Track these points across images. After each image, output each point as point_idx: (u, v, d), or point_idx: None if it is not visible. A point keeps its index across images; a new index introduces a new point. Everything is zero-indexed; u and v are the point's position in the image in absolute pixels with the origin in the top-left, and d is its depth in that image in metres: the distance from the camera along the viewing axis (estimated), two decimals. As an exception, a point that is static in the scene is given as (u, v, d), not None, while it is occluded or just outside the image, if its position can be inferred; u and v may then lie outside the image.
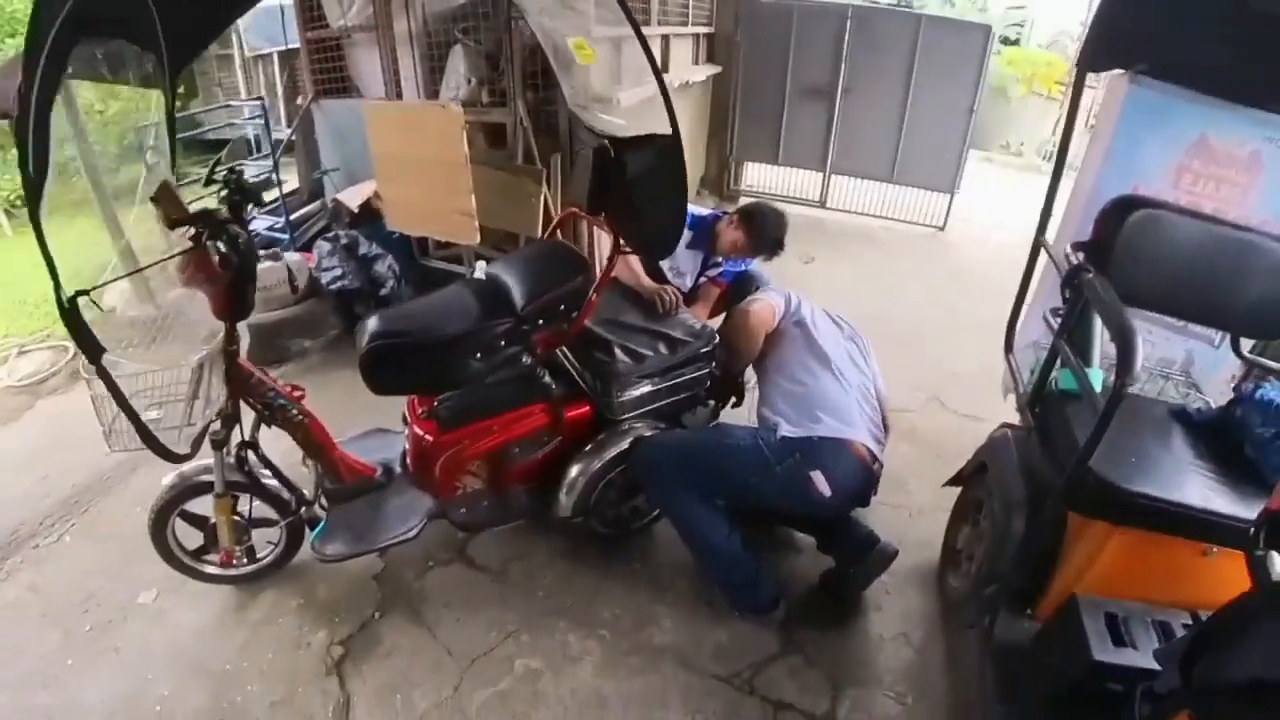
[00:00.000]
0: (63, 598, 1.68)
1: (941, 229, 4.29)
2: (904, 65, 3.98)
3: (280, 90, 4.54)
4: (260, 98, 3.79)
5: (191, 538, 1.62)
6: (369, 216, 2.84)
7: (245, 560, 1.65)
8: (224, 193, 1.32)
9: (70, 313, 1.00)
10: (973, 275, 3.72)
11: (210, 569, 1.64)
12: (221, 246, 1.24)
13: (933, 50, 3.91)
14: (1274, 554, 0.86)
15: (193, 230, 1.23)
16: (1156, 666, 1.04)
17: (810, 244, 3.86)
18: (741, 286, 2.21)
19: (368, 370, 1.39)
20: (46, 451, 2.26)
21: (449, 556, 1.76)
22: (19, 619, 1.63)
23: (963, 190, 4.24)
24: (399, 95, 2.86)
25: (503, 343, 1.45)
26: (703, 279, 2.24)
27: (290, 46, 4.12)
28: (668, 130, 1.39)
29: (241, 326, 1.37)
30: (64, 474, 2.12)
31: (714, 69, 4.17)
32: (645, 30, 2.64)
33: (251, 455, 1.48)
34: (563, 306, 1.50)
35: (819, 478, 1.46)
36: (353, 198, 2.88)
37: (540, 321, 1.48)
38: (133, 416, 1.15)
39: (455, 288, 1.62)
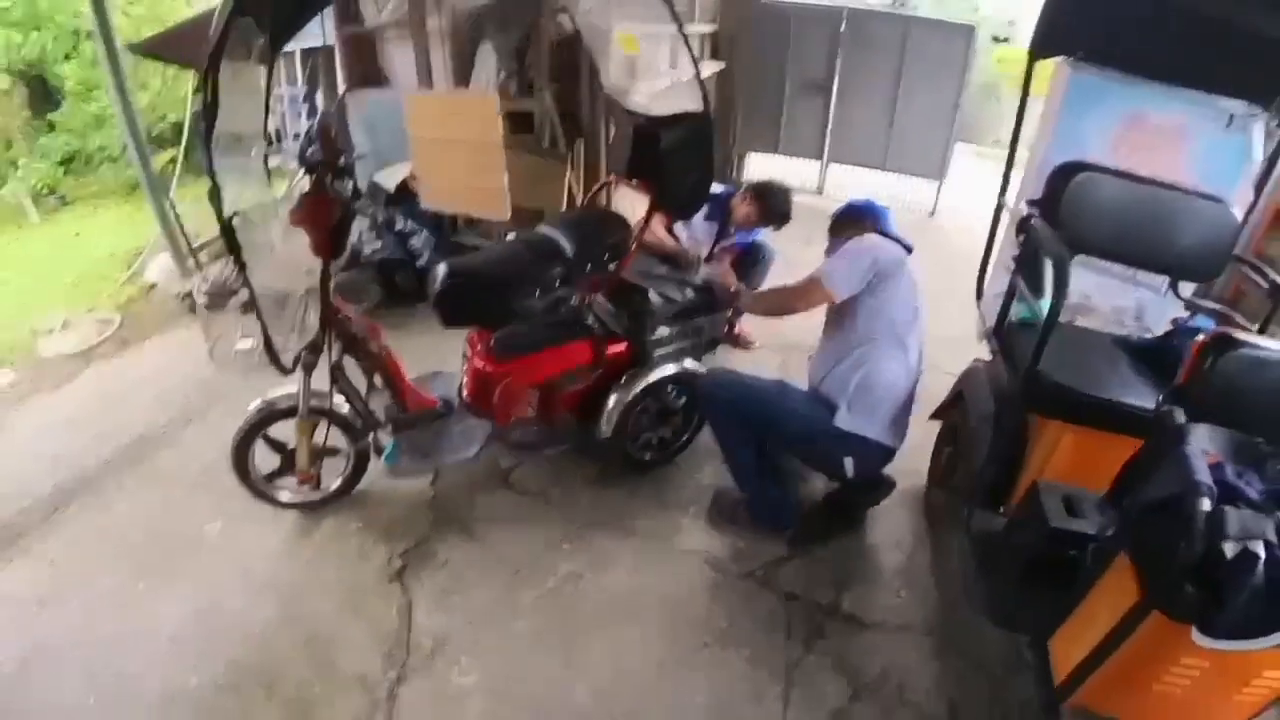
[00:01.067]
0: (128, 534, 1.80)
1: (931, 215, 4.59)
2: (894, 63, 4.29)
3: (301, 85, 4.73)
4: (308, 87, 3.99)
5: (267, 464, 1.78)
6: (404, 196, 3.07)
7: (313, 488, 1.80)
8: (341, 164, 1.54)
9: (228, 228, 1.24)
10: (960, 255, 3.96)
11: (282, 494, 1.82)
12: (339, 188, 1.47)
13: (921, 49, 4.22)
14: (1176, 409, 1.14)
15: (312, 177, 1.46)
16: (1103, 534, 1.26)
17: (810, 227, 4.10)
18: (751, 254, 2.49)
19: (443, 304, 1.63)
20: (102, 410, 2.40)
21: (494, 484, 1.99)
22: (86, 554, 1.74)
23: (954, 182, 4.54)
24: (430, 87, 3.10)
25: (557, 283, 1.70)
26: (718, 248, 2.50)
27: (312, 45, 4.32)
28: (698, 109, 1.64)
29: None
30: (121, 429, 2.26)
31: (718, 65, 4.44)
32: (658, 28, 2.91)
33: (339, 384, 1.68)
34: (606, 255, 1.76)
35: (849, 463, 1.68)
36: (389, 179, 3.10)
37: (588, 267, 1.73)
38: (262, 320, 1.37)
39: (513, 241, 1.86)
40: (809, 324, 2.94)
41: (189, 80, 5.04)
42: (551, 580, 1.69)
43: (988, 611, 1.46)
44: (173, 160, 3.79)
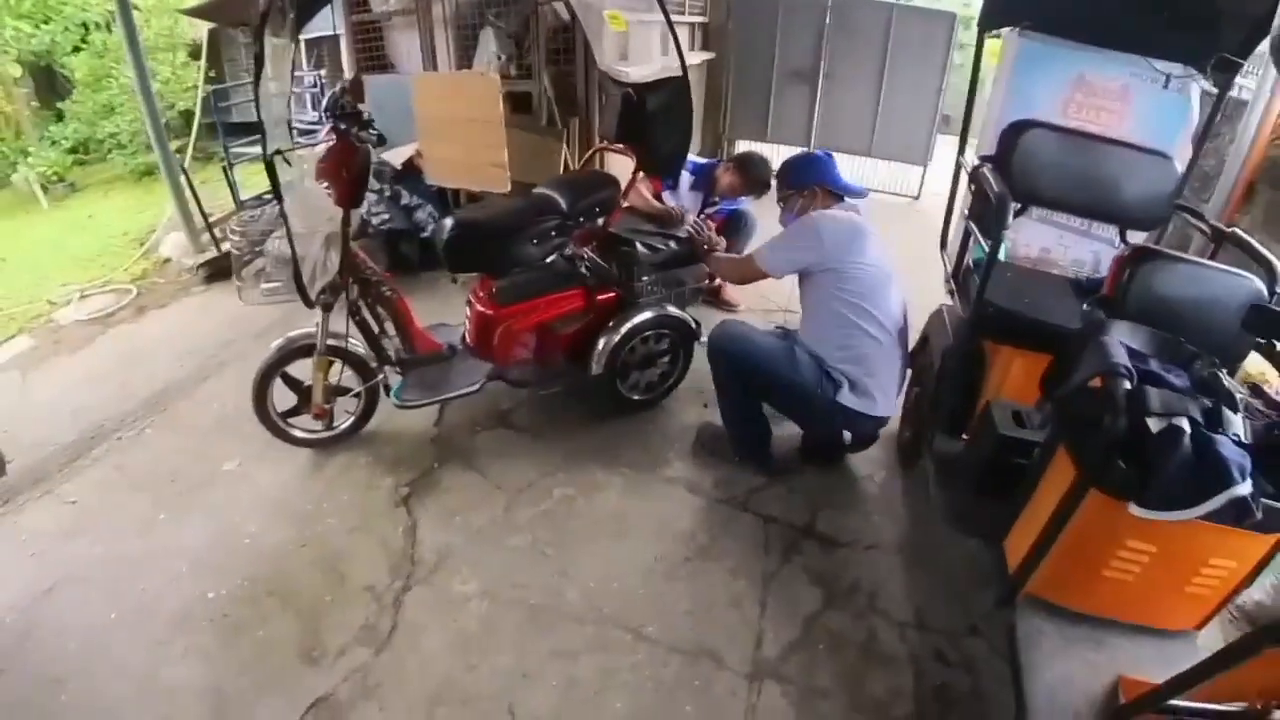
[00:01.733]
0: (149, 472, 1.92)
1: (916, 199, 4.76)
2: (878, 50, 4.46)
3: (309, 71, 4.90)
4: (317, 72, 4.15)
5: (284, 404, 1.92)
6: (409, 173, 3.22)
7: (326, 426, 1.95)
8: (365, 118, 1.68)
9: (270, 164, 1.40)
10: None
11: (297, 431, 1.96)
12: (362, 136, 1.63)
13: (904, 36, 4.39)
14: (1098, 308, 1.29)
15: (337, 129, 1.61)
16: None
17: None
18: (734, 221, 2.66)
19: (450, 250, 1.78)
20: (123, 367, 2.54)
21: (493, 423, 2.14)
22: (108, 491, 1.85)
23: (938, 169, 4.71)
24: (434, 71, 3.26)
25: (553, 233, 1.86)
26: (702, 216, 2.67)
27: (317, 35, 4.48)
28: (678, 73, 1.81)
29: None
30: (142, 383, 2.40)
31: (708, 55, 4.62)
32: (650, 16, 3.09)
33: (359, 318, 1.83)
34: (597, 209, 1.92)
35: (847, 433, 1.83)
36: (396, 157, 3.26)
37: (581, 219, 1.90)
38: (294, 251, 1.52)
39: (514, 200, 2.03)
40: (792, 290, 3.11)
41: (195, 70, 5.23)
42: (546, 502, 1.83)
43: (948, 519, 1.58)
44: (180, 149, 3.95)
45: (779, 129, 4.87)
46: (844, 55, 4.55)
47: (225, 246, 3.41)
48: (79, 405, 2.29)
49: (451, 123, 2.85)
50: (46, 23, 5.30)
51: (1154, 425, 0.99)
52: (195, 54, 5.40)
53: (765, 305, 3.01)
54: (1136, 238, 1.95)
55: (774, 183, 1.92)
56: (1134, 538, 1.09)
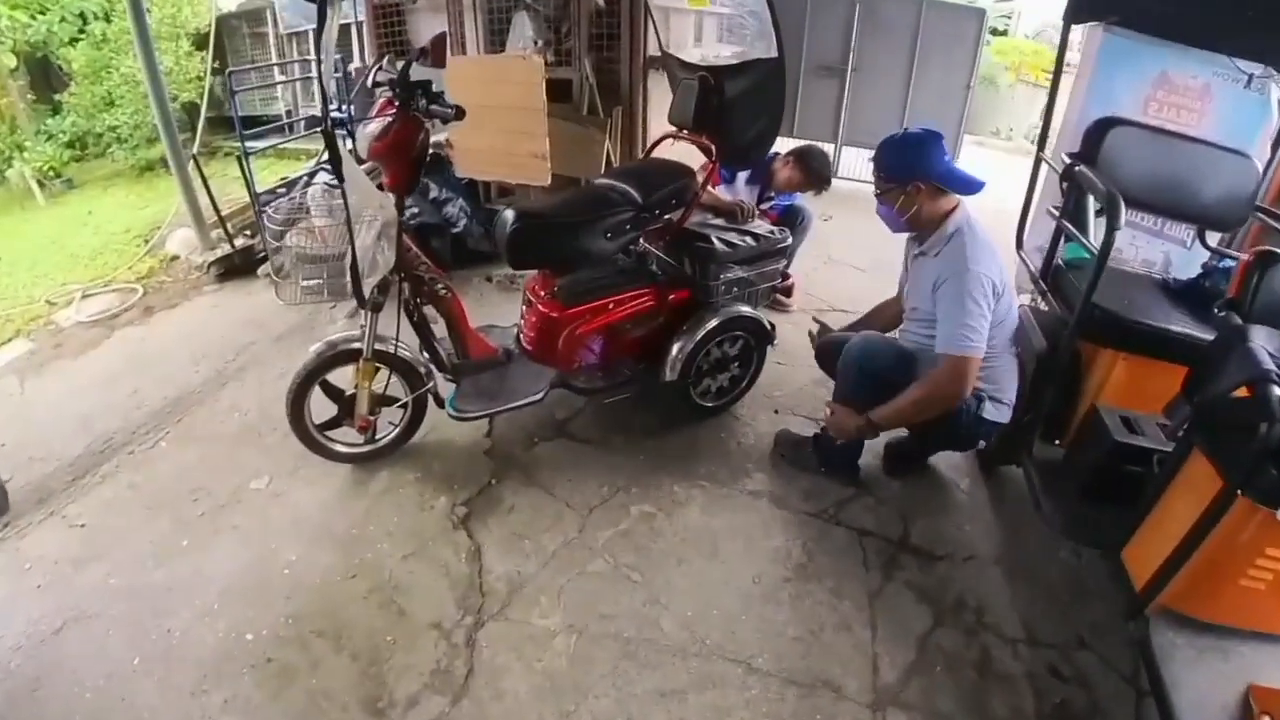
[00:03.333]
0: (167, 491, 1.72)
1: (945, 197, 4.67)
2: (907, 46, 4.36)
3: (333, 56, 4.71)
4: (340, 56, 3.95)
5: (323, 413, 1.72)
6: (438, 164, 3.05)
7: (368, 439, 1.75)
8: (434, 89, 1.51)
9: (329, 135, 1.24)
10: (989, 226, 4.10)
11: (337, 446, 1.77)
12: (432, 110, 1.46)
13: (932, 32, 4.30)
14: (1231, 313, 1.28)
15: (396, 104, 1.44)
16: (1165, 448, 1.34)
17: (827, 205, 4.19)
18: (789, 217, 2.51)
19: (514, 244, 1.61)
20: (133, 371, 2.34)
21: (551, 433, 1.97)
22: (121, 513, 1.65)
23: (969, 168, 4.60)
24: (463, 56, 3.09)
25: (628, 227, 1.70)
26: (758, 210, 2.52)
27: (343, 22, 4.29)
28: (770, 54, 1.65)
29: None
30: (154, 389, 2.20)
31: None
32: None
33: (415, 319, 1.66)
34: (674, 200, 1.76)
35: (983, 442, 1.73)
36: (420, 149, 3.09)
37: (657, 211, 1.74)
38: (352, 247, 1.34)
39: (579, 189, 1.86)
40: (839, 289, 3.00)
41: (200, 61, 5.01)
42: (625, 521, 1.67)
43: (1062, 528, 1.51)
44: (188, 141, 3.75)
45: (806, 124, 4.74)
46: (873, 50, 4.44)
47: (240, 242, 3.22)
48: (85, 414, 2.09)
49: (488, 110, 2.67)
50: (43, 13, 5.06)
51: None
52: (199, 44, 5.18)
53: (814, 305, 2.87)
54: (1212, 238, 1.90)
55: (874, 168, 1.62)
56: (1275, 545, 1.08)
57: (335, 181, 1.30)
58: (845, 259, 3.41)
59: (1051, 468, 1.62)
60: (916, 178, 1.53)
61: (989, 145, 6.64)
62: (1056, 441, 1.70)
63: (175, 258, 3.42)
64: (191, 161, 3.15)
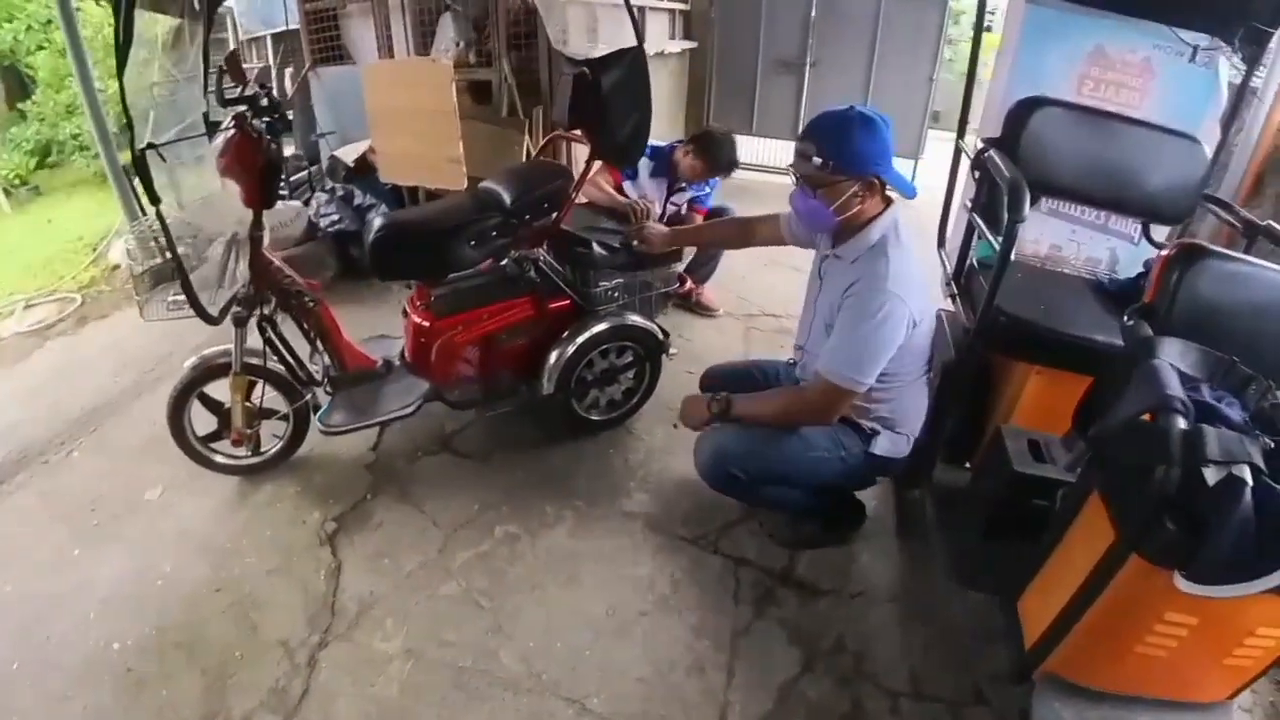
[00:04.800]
0: (71, 501, 1.76)
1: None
2: (867, 38, 4.24)
3: (274, 68, 4.70)
4: (265, 66, 3.96)
5: (204, 426, 1.73)
6: (363, 172, 3.02)
7: (251, 451, 1.76)
8: (262, 102, 1.46)
9: (140, 161, 1.19)
10: (932, 232, 3.97)
11: (219, 458, 1.77)
12: (260, 125, 1.41)
13: (893, 23, 4.17)
14: (1142, 321, 1.03)
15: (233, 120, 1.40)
16: (1073, 479, 1.10)
17: (777, 203, 4.10)
18: (717, 214, 2.44)
19: (377, 254, 1.57)
20: (57, 382, 2.37)
21: (436, 448, 1.93)
22: (28, 522, 1.71)
23: (932, 165, 4.48)
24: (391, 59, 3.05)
25: (494, 233, 1.64)
26: (683, 209, 2.45)
27: (283, 29, 4.28)
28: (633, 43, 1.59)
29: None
30: (74, 399, 2.23)
31: (690, 44, 4.40)
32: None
33: (266, 335, 1.62)
34: (545, 204, 1.70)
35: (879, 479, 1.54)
36: (349, 154, 3.06)
37: (526, 216, 1.68)
38: (179, 264, 1.31)
39: (453, 196, 1.81)
40: (775, 293, 2.90)
41: (156, 69, 5.02)
42: (486, 542, 1.62)
43: (950, 569, 1.35)
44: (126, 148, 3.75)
45: (764, 121, 4.64)
46: (832, 44, 4.32)
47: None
48: (7, 424, 2.12)
49: (403, 115, 2.64)
50: (10, 21, 5.11)
51: (1211, 476, 0.78)
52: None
53: (745, 310, 2.80)
54: (1159, 233, 1.73)
55: (804, 149, 1.26)
56: (1175, 610, 0.90)
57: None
58: (785, 259, 3.31)
59: (952, 496, 1.45)
60: (873, 171, 1.24)
61: (967, 142, 6.44)
62: (968, 465, 1.54)
63: (116, 267, 3.43)
64: (125, 175, 3.14)
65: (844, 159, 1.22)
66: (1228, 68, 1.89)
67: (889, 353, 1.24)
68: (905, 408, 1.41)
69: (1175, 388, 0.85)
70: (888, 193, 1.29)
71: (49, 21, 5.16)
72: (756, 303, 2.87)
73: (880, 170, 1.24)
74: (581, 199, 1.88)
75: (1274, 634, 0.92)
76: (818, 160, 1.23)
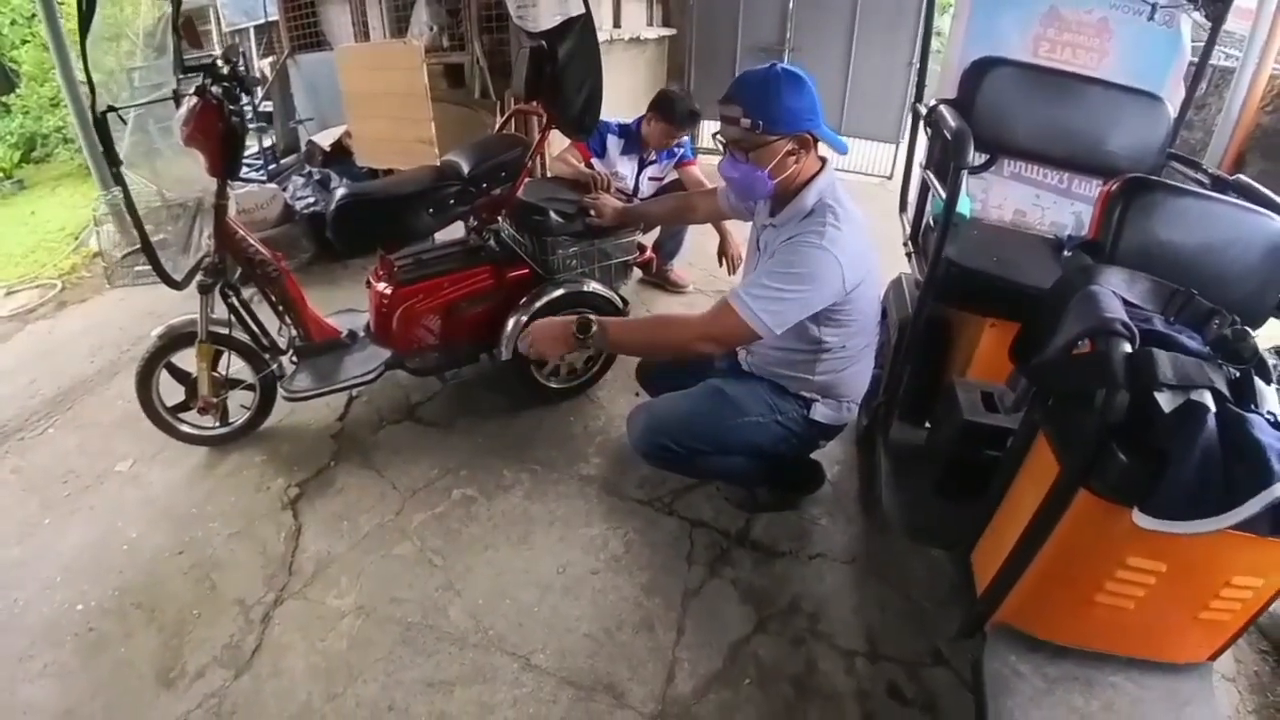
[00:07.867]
0: (43, 474, 1.80)
1: (889, 178, 4.56)
2: (846, 23, 4.26)
3: (256, 59, 4.72)
4: (238, 47, 3.96)
5: (173, 397, 1.76)
6: (340, 156, 3.04)
7: (219, 421, 1.79)
8: (225, 69, 1.47)
9: (100, 124, 1.21)
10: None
11: (187, 428, 1.79)
12: (218, 91, 1.43)
13: (873, 8, 4.19)
14: (1081, 252, 1.00)
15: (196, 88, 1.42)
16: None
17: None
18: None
19: (337, 223, 1.60)
20: (35, 363, 2.41)
21: (400, 416, 1.96)
22: (1, 494, 1.74)
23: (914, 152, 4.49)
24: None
25: (452, 201, 1.67)
26: (667, 177, 2.45)
27: (266, 20, 4.30)
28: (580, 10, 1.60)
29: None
30: (50, 379, 2.27)
31: (669, 31, 4.42)
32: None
33: (230, 302, 1.64)
34: (503, 173, 1.73)
35: (824, 442, 1.49)
36: (325, 139, 3.08)
37: (484, 185, 1.70)
38: (140, 230, 1.33)
39: (416, 168, 1.84)
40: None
41: (140, 60, 5.03)
42: (443, 504, 1.64)
43: (903, 525, 1.33)
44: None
45: (747, 108, 4.66)
46: (811, 29, 4.34)
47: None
48: None
49: (377, 98, 2.67)
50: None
51: (1166, 401, 0.73)
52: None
53: (715, 286, 2.82)
54: None
55: (730, 112, 1.19)
56: (1138, 554, 0.83)
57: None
58: (757, 238, 3.34)
59: (907, 454, 1.43)
60: (805, 127, 1.18)
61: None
62: (928, 425, 1.51)
63: (97, 254, 3.46)
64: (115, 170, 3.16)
65: (773, 118, 1.16)
66: (1190, 25, 1.88)
67: (806, 312, 1.19)
68: (845, 379, 1.38)
69: (1117, 310, 0.80)
70: (820, 154, 1.27)
71: (33, 15, 5.17)
72: (725, 279, 2.89)
73: (812, 126, 1.19)
74: (550, 174, 1.91)
75: (1252, 583, 0.85)
76: (746, 122, 1.17)
